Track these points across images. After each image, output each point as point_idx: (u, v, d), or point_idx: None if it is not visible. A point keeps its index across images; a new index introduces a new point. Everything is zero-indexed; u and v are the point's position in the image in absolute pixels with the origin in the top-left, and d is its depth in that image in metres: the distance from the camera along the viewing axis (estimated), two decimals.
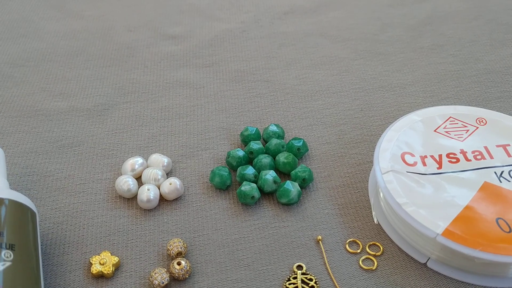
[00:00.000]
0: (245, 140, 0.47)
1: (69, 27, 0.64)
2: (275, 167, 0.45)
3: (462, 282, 0.38)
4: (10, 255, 0.34)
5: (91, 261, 0.39)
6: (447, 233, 0.36)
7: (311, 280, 0.38)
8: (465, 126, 0.44)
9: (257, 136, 0.48)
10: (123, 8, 0.67)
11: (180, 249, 0.39)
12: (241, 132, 0.48)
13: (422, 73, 0.55)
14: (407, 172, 0.41)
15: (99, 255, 0.39)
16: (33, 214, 0.38)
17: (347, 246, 0.40)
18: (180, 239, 0.40)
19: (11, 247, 0.34)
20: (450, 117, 0.45)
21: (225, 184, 0.44)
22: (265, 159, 0.45)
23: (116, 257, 0.39)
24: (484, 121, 0.44)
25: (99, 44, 0.61)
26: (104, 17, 0.65)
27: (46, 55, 0.59)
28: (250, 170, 0.44)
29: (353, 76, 0.55)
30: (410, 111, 0.50)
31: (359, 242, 0.40)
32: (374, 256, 0.40)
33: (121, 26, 0.64)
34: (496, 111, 0.48)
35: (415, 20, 0.62)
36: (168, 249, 0.39)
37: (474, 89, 0.53)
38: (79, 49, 0.60)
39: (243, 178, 0.44)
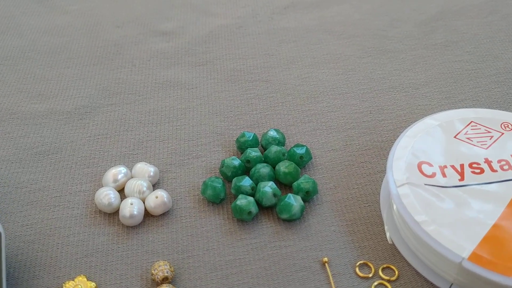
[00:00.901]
0: (242, 147, 0.42)
1: (52, 23, 0.59)
2: (275, 178, 0.41)
3: None
4: None
5: (63, 287, 0.34)
6: (474, 257, 0.32)
7: None
8: (489, 132, 0.39)
9: (254, 143, 0.43)
10: (111, 3, 0.62)
11: (166, 274, 0.34)
12: (237, 138, 0.43)
13: (436, 72, 0.50)
14: (425, 184, 0.36)
15: (73, 280, 0.34)
16: None
17: (357, 269, 0.35)
18: (166, 262, 0.35)
19: None
20: (472, 121, 0.40)
21: (219, 197, 0.39)
22: (264, 169, 0.40)
23: (93, 283, 0.34)
24: (510, 126, 0.39)
25: (84, 41, 0.56)
26: (91, 12, 0.60)
27: (25, 52, 0.54)
28: (246, 182, 0.39)
29: (361, 75, 0.50)
30: (424, 114, 0.45)
31: (371, 265, 0.35)
32: (389, 281, 0.35)
33: (108, 22, 0.59)
34: None
35: (426, 15, 0.57)
36: (152, 274, 0.34)
37: (495, 90, 0.48)
38: (61, 46, 0.55)
39: (239, 191, 0.39)
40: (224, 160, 0.41)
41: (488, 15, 0.57)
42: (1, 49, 0.55)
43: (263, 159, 0.41)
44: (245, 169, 0.41)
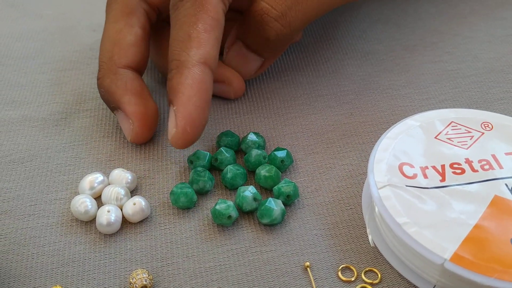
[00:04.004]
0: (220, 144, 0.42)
1: (26, 27, 0.57)
2: (255, 182, 0.40)
3: None
4: None
5: None
6: (456, 258, 0.31)
7: None
8: (469, 132, 0.39)
9: (234, 144, 0.42)
10: (86, 6, 0.61)
11: (144, 282, 0.33)
12: (221, 138, 0.42)
13: (416, 73, 0.50)
14: (407, 186, 0.35)
15: None
16: None
17: (339, 273, 0.35)
18: (144, 270, 0.34)
19: None
20: (452, 121, 0.40)
21: (193, 201, 0.38)
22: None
23: None
24: (490, 126, 0.39)
25: (59, 46, 0.55)
26: (65, 16, 0.59)
27: None
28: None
29: (341, 77, 0.50)
30: (405, 115, 0.45)
31: (354, 269, 0.35)
32: (371, 284, 0.34)
33: (84, 26, 0.58)
34: (499, 113, 0.43)
35: (405, 16, 0.57)
36: (130, 283, 0.34)
37: (474, 90, 0.48)
38: (35, 51, 0.54)
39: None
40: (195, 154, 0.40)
41: (467, 15, 0.57)
42: None
43: (233, 160, 0.41)
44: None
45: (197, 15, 0.38)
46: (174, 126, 0.37)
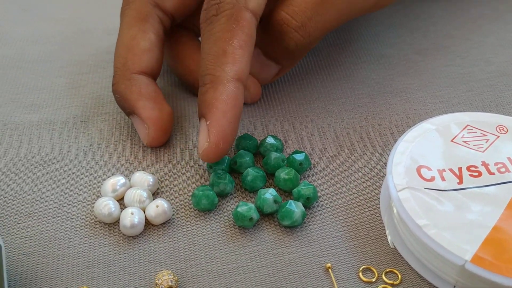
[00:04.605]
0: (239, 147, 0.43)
1: (42, 31, 0.58)
2: (275, 185, 0.41)
3: None
4: None
5: None
6: (476, 259, 0.32)
7: None
8: (485, 135, 0.40)
9: (252, 147, 0.43)
10: (101, 10, 0.61)
11: (170, 283, 0.34)
12: (240, 141, 0.43)
13: (429, 76, 0.50)
14: (425, 188, 0.36)
15: None
16: None
17: (360, 274, 0.35)
18: (170, 271, 0.35)
19: None
20: (468, 125, 0.40)
21: (214, 203, 0.39)
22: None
23: None
24: (505, 129, 0.40)
25: (75, 49, 0.55)
26: (81, 20, 0.60)
27: (15, 62, 0.54)
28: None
29: (355, 80, 0.50)
30: (419, 119, 0.46)
31: (374, 270, 0.36)
32: (392, 285, 0.35)
33: (99, 29, 0.58)
34: None
35: (417, 20, 0.58)
36: (156, 284, 0.34)
37: (487, 93, 0.49)
38: (52, 55, 0.55)
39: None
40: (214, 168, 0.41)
41: (477, 19, 0.58)
42: None
43: (252, 163, 0.42)
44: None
45: (232, 30, 0.38)
46: (206, 140, 0.37)
